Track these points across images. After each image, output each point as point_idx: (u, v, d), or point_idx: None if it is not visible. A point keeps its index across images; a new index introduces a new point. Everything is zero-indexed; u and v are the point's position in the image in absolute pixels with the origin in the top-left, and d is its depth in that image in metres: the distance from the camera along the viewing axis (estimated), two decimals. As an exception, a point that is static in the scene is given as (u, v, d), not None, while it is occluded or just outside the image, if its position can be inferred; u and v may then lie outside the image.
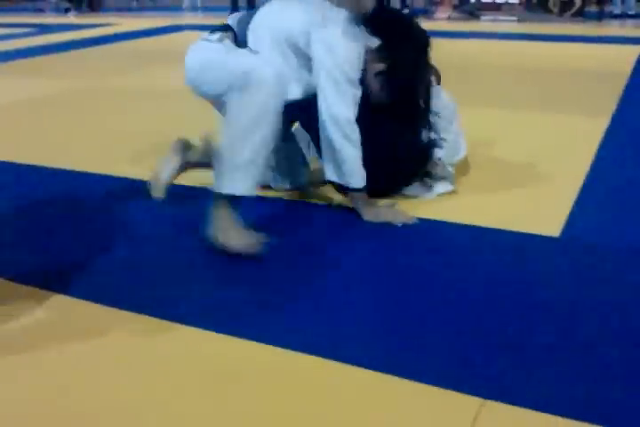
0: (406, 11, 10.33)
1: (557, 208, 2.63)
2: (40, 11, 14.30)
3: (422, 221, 2.52)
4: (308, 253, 2.30)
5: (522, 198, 2.77)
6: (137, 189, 2.77)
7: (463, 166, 3.12)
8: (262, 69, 2.14)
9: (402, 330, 1.79)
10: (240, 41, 2.45)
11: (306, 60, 2.39)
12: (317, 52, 2.34)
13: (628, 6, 10.36)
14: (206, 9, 13.49)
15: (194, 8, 13.74)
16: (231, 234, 2.20)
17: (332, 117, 2.33)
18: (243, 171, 2.16)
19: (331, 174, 2.46)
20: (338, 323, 1.82)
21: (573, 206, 2.64)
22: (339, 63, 2.32)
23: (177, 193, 2.58)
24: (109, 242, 2.39)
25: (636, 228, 2.45)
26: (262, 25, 2.45)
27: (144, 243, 2.39)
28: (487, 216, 2.57)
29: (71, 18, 12.78)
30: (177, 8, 13.85)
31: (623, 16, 10.31)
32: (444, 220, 2.55)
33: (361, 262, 2.23)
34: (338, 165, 2.40)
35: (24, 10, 14.65)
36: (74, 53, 7.58)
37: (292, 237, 2.39)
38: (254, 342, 1.72)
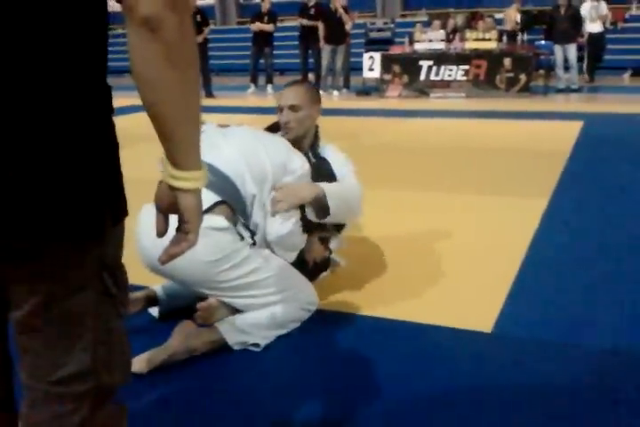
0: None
1: (490, 302, 2.63)
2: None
3: (351, 315, 2.52)
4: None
5: (456, 292, 2.77)
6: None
7: (398, 255, 3.14)
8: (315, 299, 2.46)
9: None
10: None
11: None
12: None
13: (571, 81, 10.77)
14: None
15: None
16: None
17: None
18: None
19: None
20: None
21: (506, 300, 2.65)
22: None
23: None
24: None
25: (568, 322, 2.46)
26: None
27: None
28: (421, 310, 2.57)
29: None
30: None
31: (566, 90, 10.69)
32: (376, 315, 2.54)
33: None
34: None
35: None
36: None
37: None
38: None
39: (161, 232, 1.16)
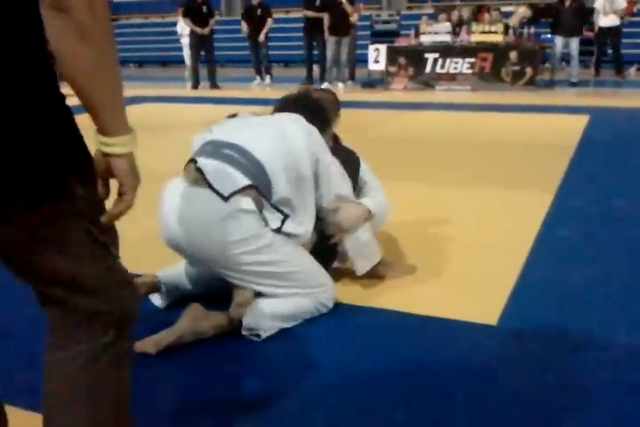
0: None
1: (496, 295, 2.64)
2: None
3: (357, 307, 2.53)
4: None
5: (462, 285, 2.77)
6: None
7: (403, 248, 3.14)
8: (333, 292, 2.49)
9: None
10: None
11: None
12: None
13: (571, 74, 10.75)
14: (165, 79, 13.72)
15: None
16: None
17: None
18: None
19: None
20: None
21: (512, 293, 2.65)
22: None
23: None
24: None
25: (574, 315, 2.46)
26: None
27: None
28: (427, 303, 2.57)
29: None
30: (139, 77, 14.06)
31: (564, 83, 10.61)
32: (384, 307, 2.54)
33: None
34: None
35: None
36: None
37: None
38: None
39: (103, 194, 1.27)
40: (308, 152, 2.36)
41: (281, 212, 2.31)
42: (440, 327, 2.39)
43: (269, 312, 2.30)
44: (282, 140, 2.34)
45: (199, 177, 2.22)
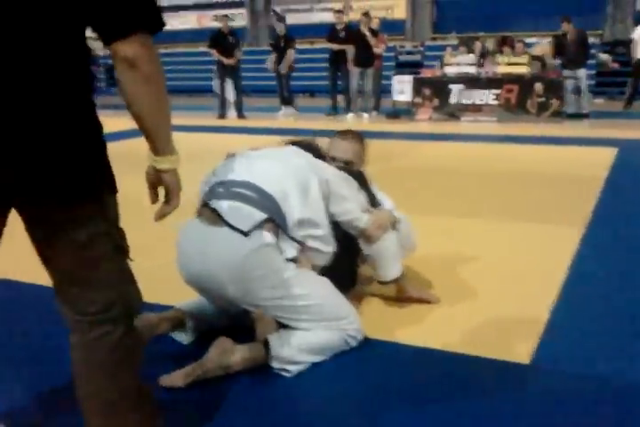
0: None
1: (528, 332, 2.58)
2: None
3: (383, 342, 2.49)
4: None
5: (492, 321, 2.72)
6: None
7: (432, 282, 3.10)
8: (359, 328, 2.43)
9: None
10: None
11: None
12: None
13: (581, 106, 10.70)
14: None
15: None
16: None
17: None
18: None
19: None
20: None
21: (544, 331, 2.59)
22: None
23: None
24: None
25: (605, 355, 2.40)
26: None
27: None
28: (456, 339, 2.53)
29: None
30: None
31: (577, 116, 10.54)
32: (413, 344, 2.50)
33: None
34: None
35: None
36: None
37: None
38: None
39: (153, 201, 1.73)
40: (315, 174, 2.41)
41: (297, 242, 2.33)
42: (470, 365, 2.34)
43: (296, 343, 2.28)
44: (286, 168, 2.40)
45: (216, 218, 2.24)
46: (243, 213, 2.23)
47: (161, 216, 1.66)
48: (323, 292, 2.36)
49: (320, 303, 2.32)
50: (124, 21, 1.38)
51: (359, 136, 2.96)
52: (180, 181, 1.64)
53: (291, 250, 2.30)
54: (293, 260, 2.30)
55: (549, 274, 3.24)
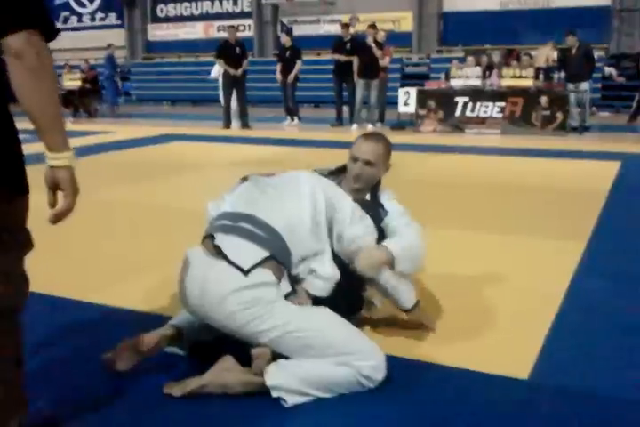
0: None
1: (527, 348, 2.57)
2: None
3: (388, 357, 2.46)
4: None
5: (491, 336, 2.71)
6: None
7: (431, 297, 3.09)
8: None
9: None
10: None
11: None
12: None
13: (583, 119, 10.72)
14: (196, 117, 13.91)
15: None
16: None
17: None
18: None
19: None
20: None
21: (543, 346, 2.59)
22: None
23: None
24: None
25: (605, 370, 2.39)
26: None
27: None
28: (454, 354, 2.52)
29: (68, 124, 13.17)
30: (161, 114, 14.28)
31: (579, 129, 10.56)
32: (406, 356, 2.49)
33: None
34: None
35: (20, 114, 15.06)
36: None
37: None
38: None
39: (51, 204, 1.68)
40: (323, 197, 2.40)
41: (298, 279, 2.35)
42: (468, 380, 2.33)
43: (294, 371, 2.18)
44: (296, 200, 2.39)
45: (218, 253, 2.23)
46: (245, 251, 2.22)
47: (56, 219, 1.64)
48: (324, 325, 2.24)
49: (321, 336, 2.20)
50: (14, 18, 1.49)
51: (384, 139, 2.86)
52: (76, 179, 1.63)
53: (286, 287, 2.28)
54: (290, 294, 2.28)
55: (550, 289, 3.23)
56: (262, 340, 2.18)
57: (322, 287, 2.38)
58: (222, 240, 2.26)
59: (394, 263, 2.51)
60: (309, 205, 2.38)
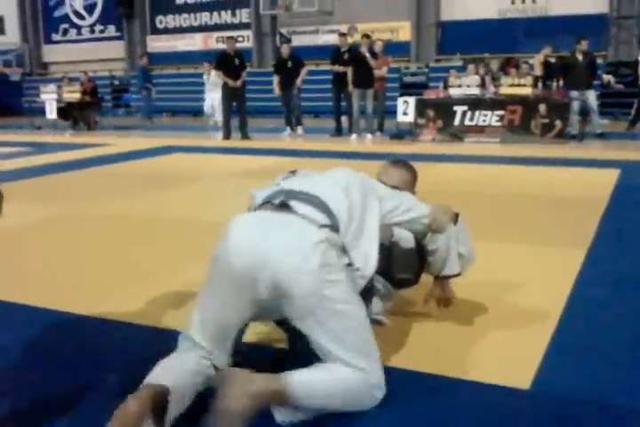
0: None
1: (528, 357, 2.56)
2: (38, 128, 14.82)
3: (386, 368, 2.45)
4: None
5: (491, 345, 2.70)
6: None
7: (429, 306, 3.08)
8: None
9: None
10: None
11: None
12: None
13: (594, 126, 10.74)
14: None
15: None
16: None
17: None
18: None
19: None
20: None
21: (544, 356, 2.57)
22: None
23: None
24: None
25: (607, 380, 2.38)
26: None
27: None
28: (454, 364, 2.50)
29: (67, 136, 13.21)
30: (162, 126, 14.30)
31: (581, 136, 10.56)
32: (405, 368, 2.47)
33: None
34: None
35: (20, 127, 15.16)
36: (61, 177, 7.71)
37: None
38: None
39: None
40: (367, 184, 2.44)
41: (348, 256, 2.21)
42: (469, 391, 2.32)
43: (314, 386, 2.04)
44: (341, 185, 2.36)
45: (283, 209, 2.20)
46: (312, 212, 2.19)
47: None
48: (363, 319, 2.17)
49: (359, 328, 2.13)
50: None
51: (411, 168, 2.96)
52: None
53: (344, 259, 2.18)
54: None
55: (551, 297, 3.22)
56: (309, 303, 2.03)
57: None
58: (288, 200, 2.24)
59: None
60: (357, 190, 2.37)
